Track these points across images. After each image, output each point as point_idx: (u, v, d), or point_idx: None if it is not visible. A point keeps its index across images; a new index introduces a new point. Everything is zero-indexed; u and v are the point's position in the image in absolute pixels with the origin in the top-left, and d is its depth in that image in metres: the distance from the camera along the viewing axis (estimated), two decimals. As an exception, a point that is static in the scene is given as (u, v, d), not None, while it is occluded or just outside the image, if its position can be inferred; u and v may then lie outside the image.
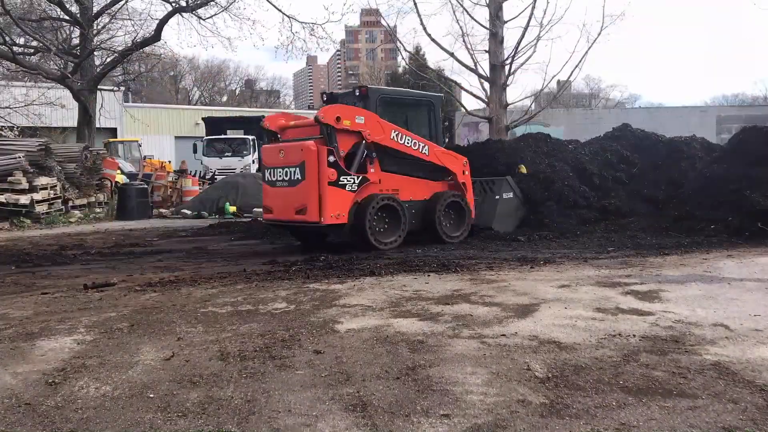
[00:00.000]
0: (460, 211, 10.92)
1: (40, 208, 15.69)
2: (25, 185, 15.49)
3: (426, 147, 10.57)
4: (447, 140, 31.12)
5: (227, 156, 28.85)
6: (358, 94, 10.50)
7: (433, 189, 10.78)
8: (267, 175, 10.45)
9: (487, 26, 19.67)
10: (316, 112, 11.04)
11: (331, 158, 9.49)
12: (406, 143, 10.32)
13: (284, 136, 10.71)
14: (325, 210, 9.48)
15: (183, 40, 46.18)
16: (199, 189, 21.96)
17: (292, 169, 9.80)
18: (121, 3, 20.22)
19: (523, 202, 12.30)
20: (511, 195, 12.09)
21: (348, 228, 9.87)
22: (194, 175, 25.50)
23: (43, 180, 16.06)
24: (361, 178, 9.83)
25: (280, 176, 10.09)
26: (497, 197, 11.92)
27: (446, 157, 10.94)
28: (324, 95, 11.57)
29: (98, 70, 21.21)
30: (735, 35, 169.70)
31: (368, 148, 9.92)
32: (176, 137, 44.04)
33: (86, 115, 20.78)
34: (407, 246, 10.09)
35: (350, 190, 9.69)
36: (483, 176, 12.11)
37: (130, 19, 21.26)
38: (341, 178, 9.58)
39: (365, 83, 64.55)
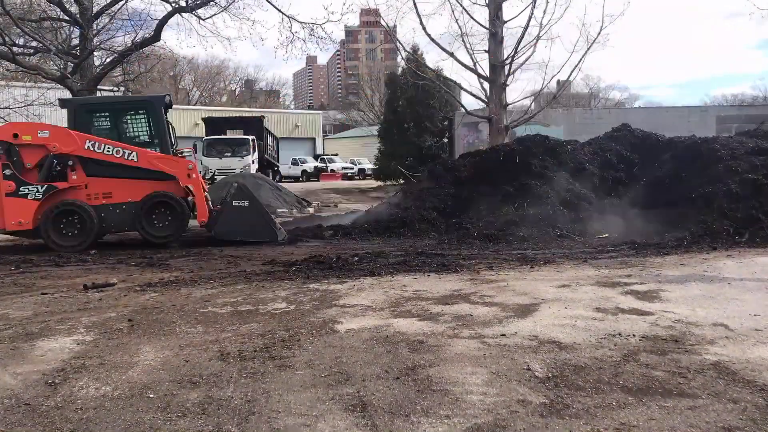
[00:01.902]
0: (172, 210, 11.32)
1: (40, 209, 15.66)
2: (24, 186, 15.46)
3: (134, 154, 11.11)
4: (446, 140, 31.09)
5: (227, 156, 28.86)
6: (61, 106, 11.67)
7: (147, 190, 11.23)
8: None
9: (487, 26, 19.67)
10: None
11: (8, 171, 10.71)
12: (106, 152, 11.02)
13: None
14: (6, 218, 10.74)
15: (183, 40, 45.94)
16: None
17: None
18: (121, 3, 20.19)
19: (259, 213, 11.70)
20: (246, 204, 11.47)
21: (33, 233, 10.92)
22: (194, 176, 25.43)
23: (42, 180, 16.02)
24: (46, 186, 10.80)
25: None
26: (233, 203, 11.53)
27: (163, 161, 11.35)
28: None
29: (98, 70, 21.17)
30: (735, 34, 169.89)
31: (60, 159, 10.84)
32: (176, 137, 43.98)
33: (86, 115, 20.74)
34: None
35: (34, 198, 10.76)
36: None
37: (129, 20, 21.28)
38: (21, 189, 10.72)
39: (365, 84, 64.50)
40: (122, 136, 11.60)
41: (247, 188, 12.12)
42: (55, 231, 10.80)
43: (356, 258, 8.86)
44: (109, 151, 10.97)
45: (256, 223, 11.41)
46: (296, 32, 20.25)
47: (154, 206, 11.23)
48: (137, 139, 11.68)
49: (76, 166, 10.95)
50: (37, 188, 10.75)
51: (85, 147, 10.91)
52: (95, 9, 20.04)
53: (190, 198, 11.53)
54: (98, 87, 20.61)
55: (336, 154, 52.98)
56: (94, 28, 20.38)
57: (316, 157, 50.71)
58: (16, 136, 10.65)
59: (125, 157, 11.02)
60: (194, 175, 11.45)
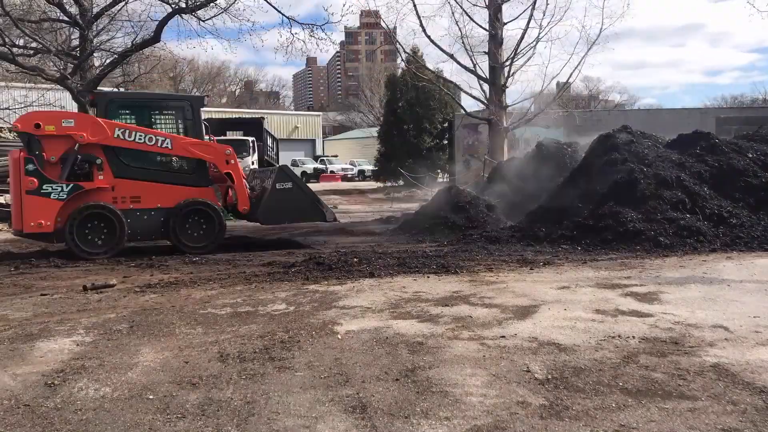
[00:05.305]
0: (208, 218, 10.42)
1: (40, 210, 15.65)
2: (24, 186, 15.44)
3: (168, 141, 10.09)
4: (446, 141, 31.10)
5: (226, 157, 28.83)
6: (89, 101, 10.61)
7: (183, 195, 10.32)
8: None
9: (487, 28, 19.71)
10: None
11: (30, 166, 9.34)
12: (137, 140, 9.88)
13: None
14: (25, 219, 9.39)
15: (182, 41, 45.79)
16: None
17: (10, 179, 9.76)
18: (121, 4, 20.20)
19: (306, 193, 11.28)
20: (289, 185, 10.99)
21: (55, 236, 9.69)
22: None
23: (42, 181, 16.01)
24: (71, 186, 9.55)
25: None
26: (276, 187, 10.94)
27: (199, 148, 10.44)
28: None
29: (98, 71, 21.17)
30: (734, 35, 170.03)
31: (85, 153, 9.64)
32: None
33: (86, 116, 20.78)
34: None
35: (57, 199, 9.43)
36: None
37: (129, 21, 21.25)
38: (44, 187, 9.39)
39: (364, 85, 64.58)
40: None
41: (288, 169, 11.67)
42: None
43: (356, 259, 8.86)
44: None
45: (301, 204, 10.93)
46: (296, 33, 20.30)
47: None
48: None
49: None
50: None
51: None
52: (95, 10, 20.05)
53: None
54: (98, 88, 20.62)
55: (336, 156, 52.99)
56: (94, 29, 20.39)
57: (315, 158, 50.72)
58: None
59: None
60: (233, 161, 10.61)
